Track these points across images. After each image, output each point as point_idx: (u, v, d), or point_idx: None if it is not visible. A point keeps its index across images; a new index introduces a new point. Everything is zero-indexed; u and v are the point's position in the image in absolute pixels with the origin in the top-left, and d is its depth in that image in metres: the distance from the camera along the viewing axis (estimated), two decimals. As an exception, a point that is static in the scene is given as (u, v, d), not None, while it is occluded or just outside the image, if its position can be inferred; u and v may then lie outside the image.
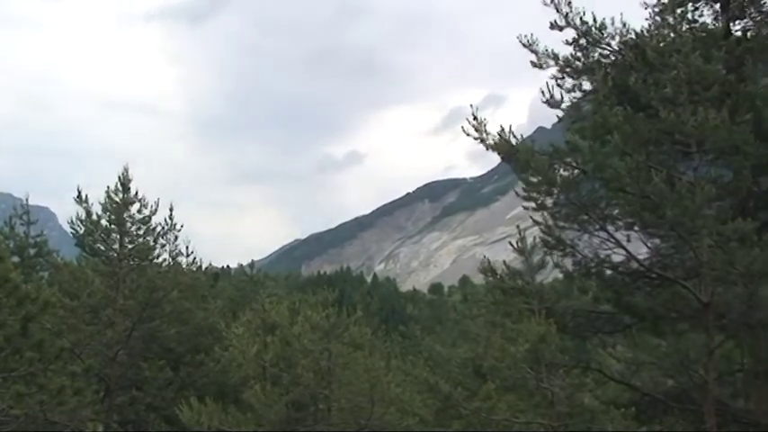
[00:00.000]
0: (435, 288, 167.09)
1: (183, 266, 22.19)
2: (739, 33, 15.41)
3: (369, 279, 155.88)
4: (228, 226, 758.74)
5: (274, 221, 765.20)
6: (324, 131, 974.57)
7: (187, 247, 22.05)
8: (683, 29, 13.67)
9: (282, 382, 16.19)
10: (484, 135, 14.01)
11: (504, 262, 14.92)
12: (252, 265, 36.36)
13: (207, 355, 21.25)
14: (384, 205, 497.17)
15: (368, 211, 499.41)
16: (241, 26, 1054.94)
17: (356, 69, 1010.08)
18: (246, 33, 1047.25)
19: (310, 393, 16.07)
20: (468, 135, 14.01)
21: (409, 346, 30.23)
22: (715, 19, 15.64)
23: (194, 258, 22.67)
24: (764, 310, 13.23)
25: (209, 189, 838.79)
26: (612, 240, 13.81)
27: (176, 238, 21.41)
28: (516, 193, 14.16)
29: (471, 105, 13.99)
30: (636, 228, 13.85)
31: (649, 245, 14.33)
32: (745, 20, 15.56)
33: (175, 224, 21.31)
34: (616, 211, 13.65)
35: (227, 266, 54.91)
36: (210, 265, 32.02)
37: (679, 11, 13.95)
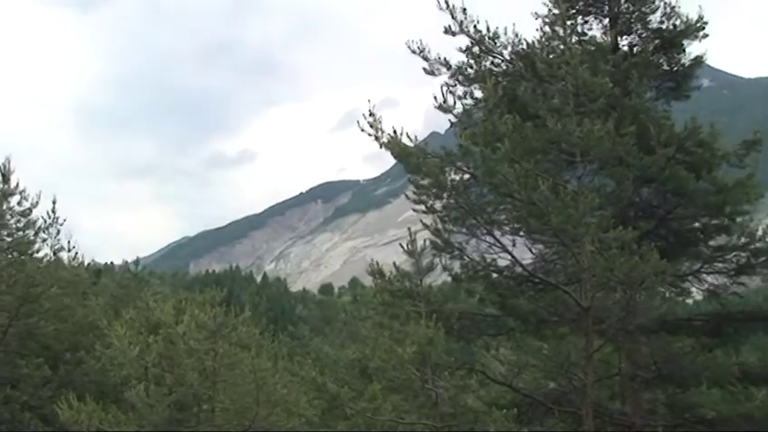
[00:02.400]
0: (326, 289, 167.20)
1: (65, 262, 21.55)
2: (626, 48, 15.98)
3: (258, 279, 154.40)
4: (114, 221, 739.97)
5: (163, 218, 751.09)
6: (217, 127, 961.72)
7: (69, 242, 21.41)
8: (573, 41, 14.03)
9: (165, 382, 15.85)
10: (379, 133, 14.06)
11: (395, 264, 15.05)
12: (137, 262, 35.45)
13: (87, 353, 20.64)
14: (276, 205, 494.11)
15: (259, 210, 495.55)
16: (134, 16, 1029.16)
17: (252, 66, 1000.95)
18: (139, 24, 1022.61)
19: (194, 394, 15.78)
20: (363, 131, 14.04)
21: (298, 347, 30.13)
22: (603, 33, 16.16)
23: (76, 254, 22.00)
24: (642, 315, 13.76)
25: (95, 183, 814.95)
26: (499, 245, 14.05)
27: (58, 232, 20.74)
28: (406, 196, 14.29)
29: (369, 101, 14.01)
30: (522, 233, 14.14)
31: (534, 250, 14.67)
32: (632, 35, 16.13)
33: (57, 218, 20.63)
34: (503, 217, 13.90)
35: (111, 263, 53.58)
36: (94, 261, 31.18)
37: (569, 24, 14.31)
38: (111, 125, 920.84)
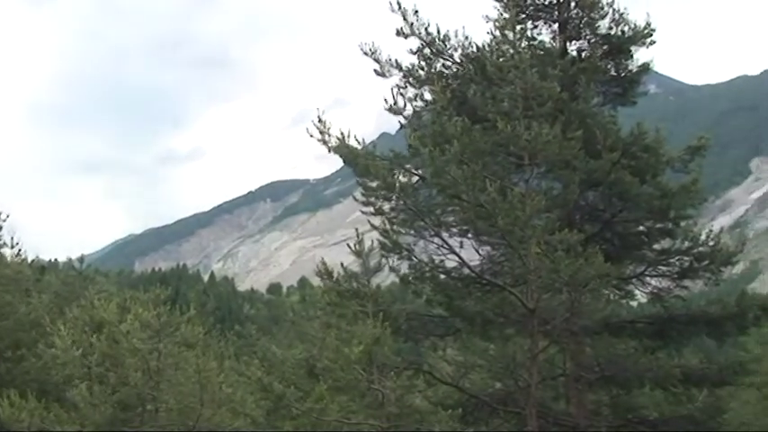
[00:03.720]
0: (274, 288, 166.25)
1: (7, 258, 21.16)
2: (575, 53, 16.15)
3: (206, 277, 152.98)
4: (61, 218, 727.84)
5: (110, 215, 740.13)
6: (167, 124, 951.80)
7: (12, 238, 21.05)
8: (522, 46, 14.13)
9: (109, 381, 15.63)
10: (327, 137, 14.07)
11: (342, 264, 15.03)
12: (82, 259, 34.87)
13: (29, 350, 20.29)
14: (225, 203, 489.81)
15: (208, 208, 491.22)
16: (87, 10, 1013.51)
17: (205, 62, 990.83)
18: (92, 18, 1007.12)
19: (138, 393, 15.57)
20: (311, 136, 14.05)
21: (244, 347, 29.91)
22: (553, 38, 16.32)
23: (19, 250, 21.68)
24: (586, 317, 13.92)
25: (40, 178, 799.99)
26: (446, 246, 14.13)
27: (0, 228, 20.39)
28: (355, 198, 14.29)
29: (318, 108, 14.07)
30: (469, 235, 14.24)
31: (481, 252, 14.76)
32: (581, 41, 16.30)
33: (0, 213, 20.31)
34: (451, 218, 13.98)
35: (56, 260, 52.78)
36: (37, 257, 30.59)
37: (519, 28, 14.41)
38: (61, 121, 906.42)
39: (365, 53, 15.46)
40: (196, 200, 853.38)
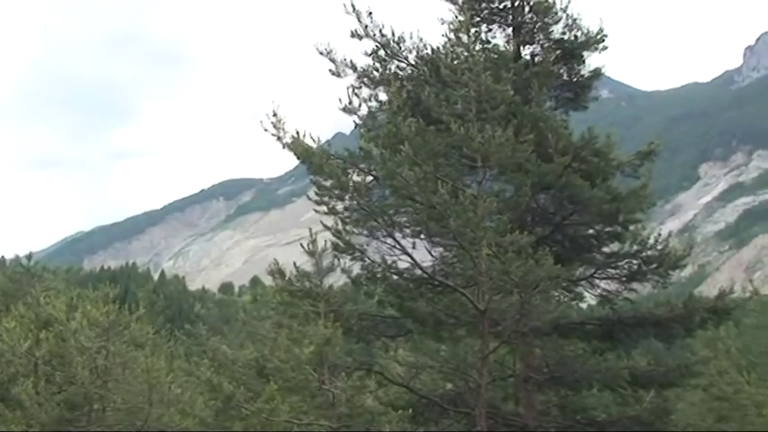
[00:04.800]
0: (226, 288, 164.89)
1: (-48, 255, 20.76)
2: (528, 57, 16.29)
3: (156, 276, 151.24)
4: (8, 214, 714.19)
5: (59, 211, 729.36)
6: (118, 120, 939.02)
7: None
8: (476, 49, 14.21)
9: (56, 380, 15.44)
10: (281, 133, 14.01)
11: (295, 264, 14.98)
12: (29, 256, 34.34)
13: (-27, 349, 19.90)
14: (176, 201, 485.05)
15: (159, 206, 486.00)
16: (36, 5, 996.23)
17: (158, 58, 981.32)
18: (41, 13, 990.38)
19: (85, 393, 15.39)
20: (266, 131, 13.97)
21: (194, 346, 29.63)
22: (507, 42, 16.44)
23: (-35, 247, 21.24)
24: (536, 318, 14.05)
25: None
26: (399, 247, 14.16)
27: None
28: (308, 197, 14.26)
29: (273, 102, 13.97)
30: (422, 236, 14.28)
31: (433, 253, 14.81)
32: (535, 45, 16.45)
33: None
34: (404, 219, 14.01)
35: (3, 257, 51.87)
36: (-17, 254, 30.09)
37: (473, 31, 14.50)
38: (9, 117, 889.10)
39: (321, 53, 15.44)
40: (147, 197, 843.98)
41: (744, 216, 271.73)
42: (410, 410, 13.63)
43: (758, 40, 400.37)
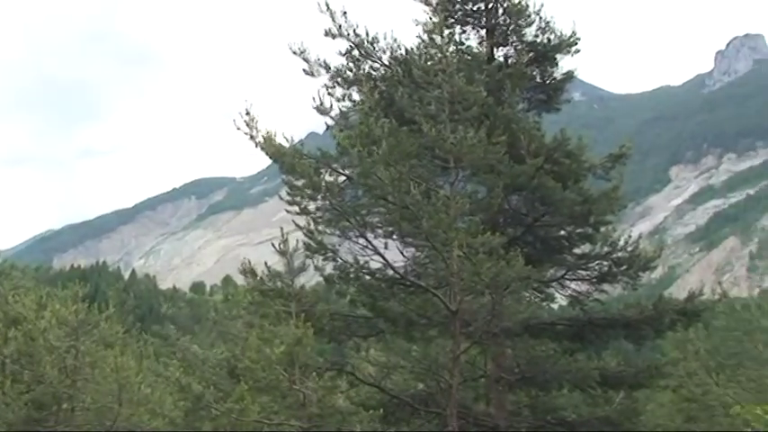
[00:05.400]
0: (197, 287, 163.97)
1: None
2: (501, 59, 16.37)
3: (126, 275, 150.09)
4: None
5: (29, 209, 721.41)
6: (89, 118, 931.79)
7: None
8: (450, 50, 14.24)
9: (23, 379, 15.31)
10: (254, 132, 13.94)
11: (267, 264, 14.92)
12: (-2, 254, 34.04)
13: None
14: (148, 199, 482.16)
15: (130, 205, 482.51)
16: (6, 2, 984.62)
17: (129, 56, 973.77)
18: (11, 11, 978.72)
19: (54, 392, 15.26)
20: (238, 129, 13.89)
21: (164, 346, 29.50)
22: (480, 44, 16.51)
23: (-68, 245, 20.98)
24: (507, 319, 14.10)
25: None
26: (371, 247, 14.14)
27: None
28: (280, 197, 14.20)
29: (246, 101, 13.90)
30: (394, 236, 14.29)
31: (406, 253, 14.82)
32: (508, 47, 16.53)
33: None
34: (376, 219, 13.99)
35: (-29, 255, 51.19)
36: (-49, 252, 29.74)
37: (447, 33, 14.51)
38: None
39: (294, 52, 15.40)
40: (118, 196, 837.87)
41: (714, 219, 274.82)
42: (381, 410, 13.63)
43: (729, 44, 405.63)
